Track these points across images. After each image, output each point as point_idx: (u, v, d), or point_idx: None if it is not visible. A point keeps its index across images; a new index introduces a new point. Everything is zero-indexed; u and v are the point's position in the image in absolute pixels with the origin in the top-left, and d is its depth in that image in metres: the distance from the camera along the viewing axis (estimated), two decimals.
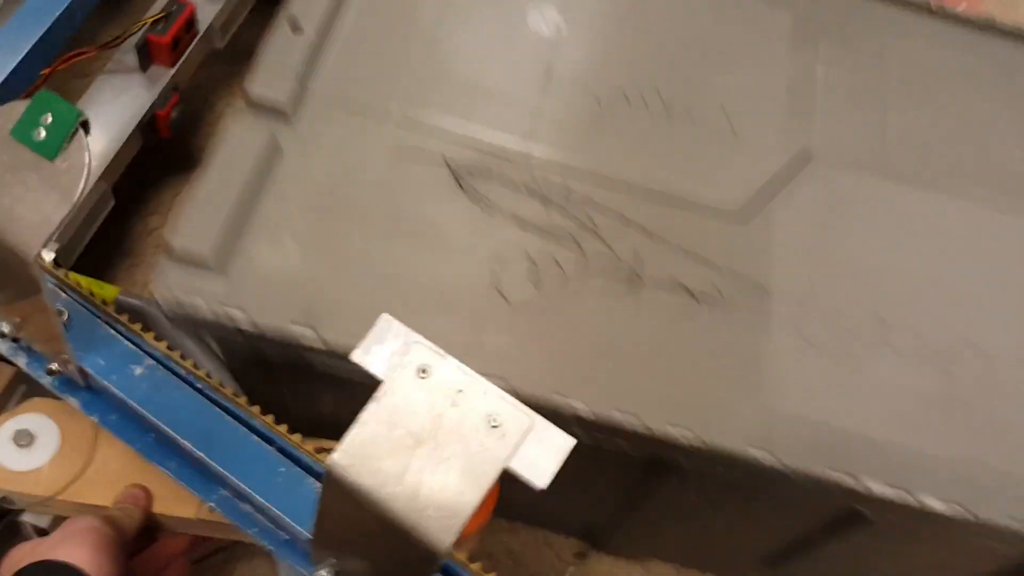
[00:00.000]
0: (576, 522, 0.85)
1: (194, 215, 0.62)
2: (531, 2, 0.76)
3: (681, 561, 0.87)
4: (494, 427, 0.44)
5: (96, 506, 0.63)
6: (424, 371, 0.44)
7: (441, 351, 0.45)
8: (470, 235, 0.64)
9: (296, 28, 0.68)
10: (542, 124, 0.70)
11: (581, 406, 0.59)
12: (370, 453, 0.43)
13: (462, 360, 0.45)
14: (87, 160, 0.46)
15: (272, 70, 0.68)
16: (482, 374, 0.43)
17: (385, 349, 0.45)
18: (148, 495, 0.63)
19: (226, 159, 0.64)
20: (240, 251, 0.62)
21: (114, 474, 0.65)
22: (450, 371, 0.44)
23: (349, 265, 0.62)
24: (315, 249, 0.62)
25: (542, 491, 0.43)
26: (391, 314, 0.58)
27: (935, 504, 0.59)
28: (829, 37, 0.79)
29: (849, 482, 0.59)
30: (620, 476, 0.68)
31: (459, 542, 0.42)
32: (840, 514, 0.64)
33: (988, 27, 0.82)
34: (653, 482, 0.67)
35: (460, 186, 0.65)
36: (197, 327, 0.61)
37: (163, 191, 1.00)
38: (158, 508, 0.64)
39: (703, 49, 0.77)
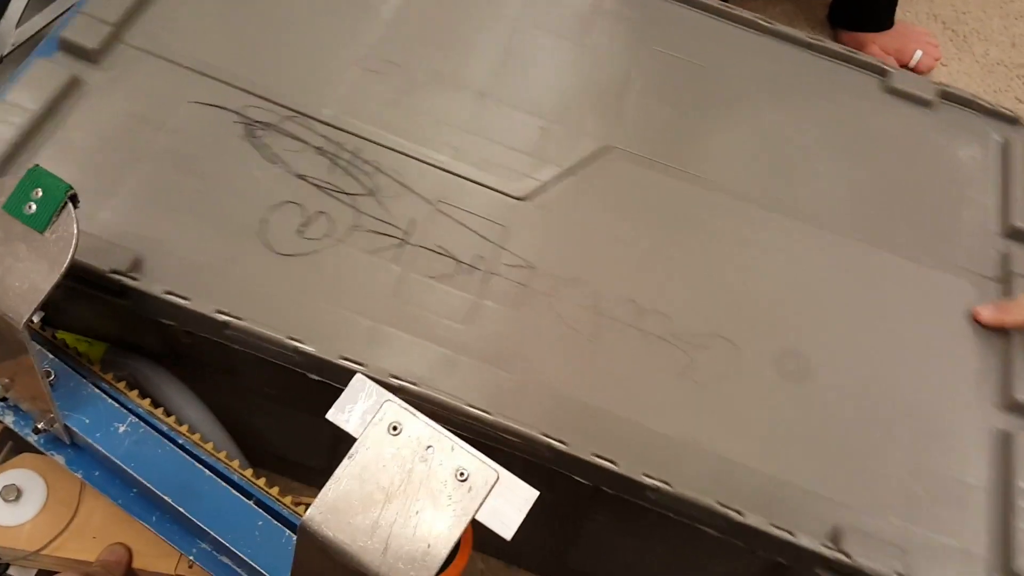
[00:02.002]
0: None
1: None
2: None
3: None
4: (462, 480, 0.46)
5: (80, 561, 0.65)
6: (395, 428, 0.47)
7: (412, 409, 0.47)
8: (248, 184, 0.68)
9: None
10: (346, 93, 0.74)
11: (309, 349, 0.62)
12: (343, 508, 0.45)
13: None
14: (75, 231, 0.48)
15: (89, 17, 0.73)
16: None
17: (359, 407, 0.47)
18: (129, 553, 0.65)
19: (21, 91, 0.68)
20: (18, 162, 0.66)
21: (98, 529, 0.67)
22: (420, 428, 0.47)
23: (129, 197, 0.66)
24: (99, 179, 0.66)
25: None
26: (149, 248, 0.62)
27: (647, 480, 0.62)
28: (650, 43, 0.83)
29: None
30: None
31: None
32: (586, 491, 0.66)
33: (799, 41, 0.86)
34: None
35: (250, 139, 0.70)
36: None
37: None
38: (139, 564, 0.65)
39: (524, 48, 0.80)
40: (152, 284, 0.62)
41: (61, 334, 0.67)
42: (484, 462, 0.47)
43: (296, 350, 0.61)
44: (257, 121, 0.71)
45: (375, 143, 0.72)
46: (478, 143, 0.73)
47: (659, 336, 0.67)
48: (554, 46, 0.81)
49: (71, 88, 0.70)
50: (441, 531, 0.45)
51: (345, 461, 0.45)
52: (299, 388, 0.64)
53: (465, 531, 0.48)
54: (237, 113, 0.71)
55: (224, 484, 0.59)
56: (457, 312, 0.65)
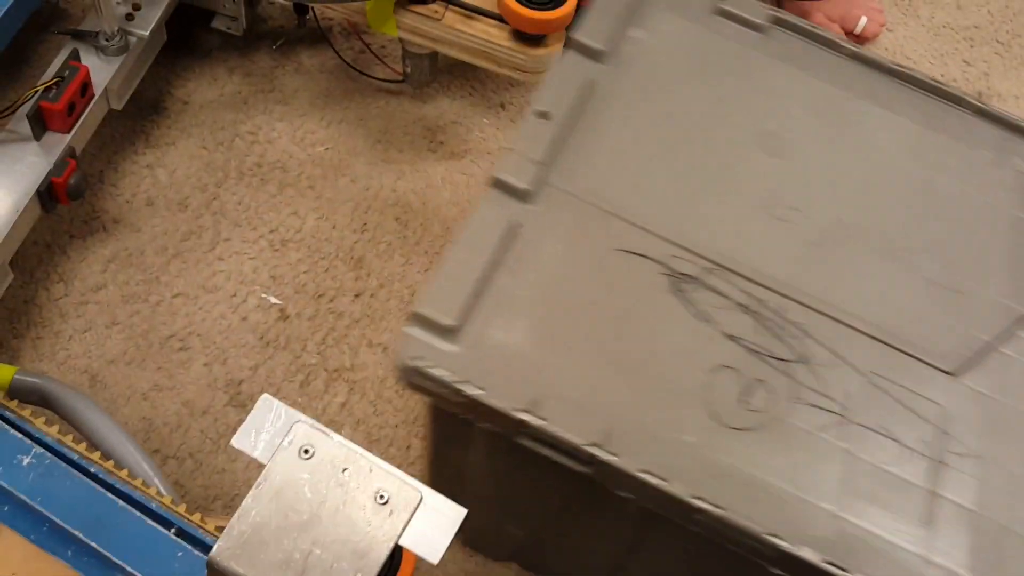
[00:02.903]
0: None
1: (439, 285, 0.64)
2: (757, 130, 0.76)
3: None
4: (382, 504, 0.43)
5: None
6: (307, 451, 0.43)
7: (325, 428, 0.44)
8: (683, 342, 0.65)
9: (544, 116, 0.71)
10: (762, 245, 0.71)
11: (794, 551, 0.58)
12: (253, 542, 0.42)
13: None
14: None
15: (518, 155, 0.70)
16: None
17: (266, 431, 0.44)
18: None
19: (472, 235, 0.67)
20: (475, 325, 0.64)
21: (18, 565, 0.63)
22: (334, 449, 0.43)
23: (570, 355, 0.64)
24: (540, 333, 0.65)
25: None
26: (611, 413, 0.61)
27: None
28: None
29: None
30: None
31: None
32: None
33: None
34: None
35: (677, 292, 0.67)
36: (426, 391, 0.63)
37: (68, 257, 0.98)
38: None
39: (929, 197, 0.76)
40: (628, 461, 0.59)
41: None
42: (405, 482, 0.44)
43: (776, 548, 0.58)
44: (681, 273, 0.67)
45: (797, 302, 0.68)
46: (901, 305, 0.69)
47: None
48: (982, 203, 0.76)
49: (512, 231, 0.67)
50: (362, 561, 0.42)
51: (253, 490, 0.42)
52: (734, 571, 0.62)
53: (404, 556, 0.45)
54: (661, 264, 0.68)
55: (140, 515, 0.55)
56: (912, 512, 0.61)
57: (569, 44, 0.76)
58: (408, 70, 1.04)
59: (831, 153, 0.77)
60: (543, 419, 0.60)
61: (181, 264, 0.99)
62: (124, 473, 0.58)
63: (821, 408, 0.65)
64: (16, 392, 0.70)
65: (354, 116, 1.11)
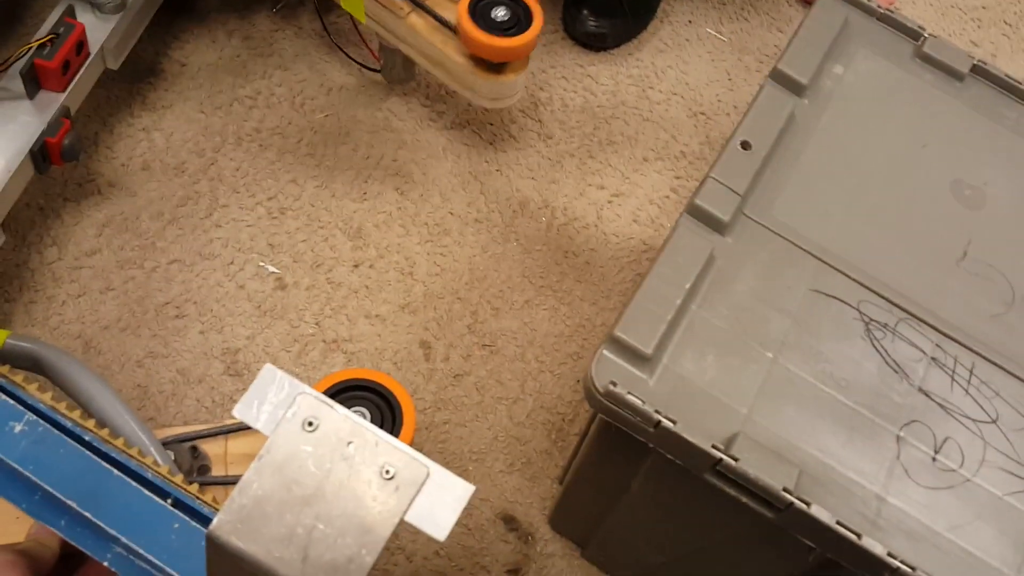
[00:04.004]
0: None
1: (638, 311, 0.64)
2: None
3: None
4: (388, 479, 0.42)
5: (7, 545, 0.60)
6: (311, 423, 0.42)
7: (330, 401, 0.42)
8: (878, 394, 0.65)
9: (746, 147, 0.71)
10: (955, 298, 0.69)
11: None
12: (255, 516, 0.40)
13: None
14: None
15: (719, 186, 0.69)
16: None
17: (269, 402, 0.43)
18: None
19: (671, 264, 0.66)
20: (668, 354, 0.64)
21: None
22: (339, 422, 0.42)
23: (762, 396, 0.63)
24: (731, 368, 0.64)
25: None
26: (805, 459, 0.60)
27: None
28: None
29: None
30: None
31: None
32: None
33: None
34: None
35: (870, 338, 0.66)
36: (615, 415, 0.63)
37: (61, 221, 0.96)
38: None
39: None
40: (822, 511, 0.58)
41: None
42: (412, 457, 0.42)
43: None
44: (874, 320, 0.67)
45: (989, 361, 0.67)
46: None
47: None
48: None
49: (709, 263, 0.67)
50: (366, 537, 0.41)
51: (255, 463, 0.41)
52: None
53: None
54: (855, 308, 0.67)
55: (136, 484, 0.53)
56: None
57: (773, 75, 0.75)
58: (383, 62, 1.02)
59: None
60: (736, 459, 0.60)
61: (177, 230, 0.97)
62: (120, 442, 0.56)
63: (1011, 473, 0.63)
64: (8, 357, 0.69)
65: (355, 83, 1.09)
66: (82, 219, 0.96)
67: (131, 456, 0.56)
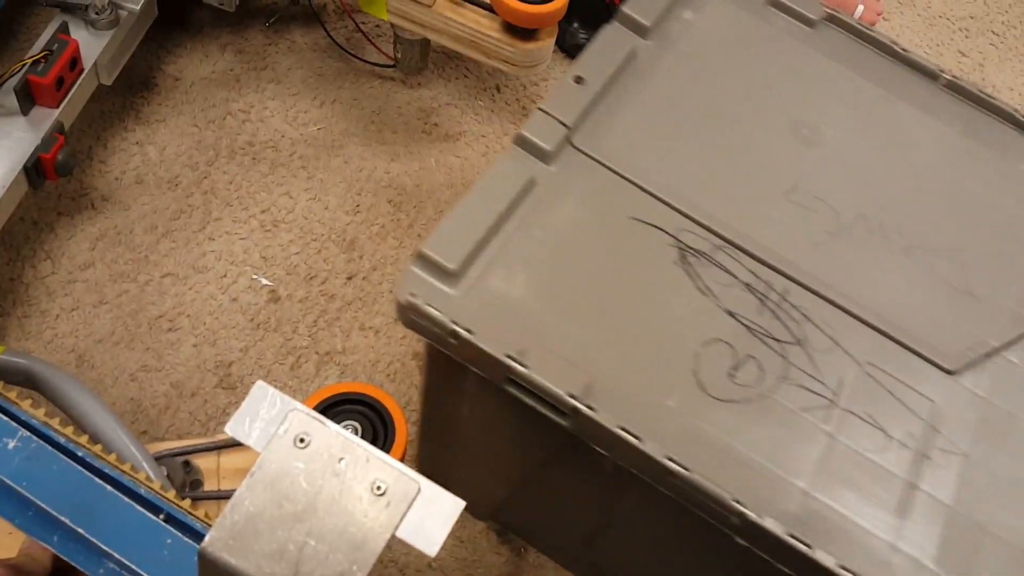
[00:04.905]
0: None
1: (447, 229, 0.65)
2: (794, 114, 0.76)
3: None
4: (379, 495, 0.42)
5: (2, 560, 0.60)
6: (303, 440, 0.42)
7: (322, 418, 0.43)
8: (680, 312, 0.65)
9: (579, 81, 0.71)
10: (777, 228, 0.70)
11: (758, 519, 0.58)
12: (246, 532, 0.41)
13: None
14: None
15: (546, 116, 0.70)
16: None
17: (261, 419, 0.43)
18: None
19: (487, 185, 0.67)
20: (476, 272, 0.64)
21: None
22: (331, 438, 0.42)
23: (565, 311, 0.64)
24: (539, 288, 0.65)
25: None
26: (597, 370, 0.61)
27: None
28: None
29: None
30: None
31: None
32: None
33: None
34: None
35: (683, 264, 0.67)
36: (420, 329, 0.63)
37: (55, 235, 0.96)
38: None
39: (957, 202, 0.75)
40: (607, 416, 0.59)
41: None
42: (403, 472, 0.43)
43: (742, 516, 0.57)
44: (691, 247, 0.67)
45: (804, 286, 0.67)
46: (910, 302, 0.68)
47: None
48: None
49: (528, 188, 0.67)
50: (357, 552, 0.41)
51: (247, 480, 0.41)
52: (703, 540, 0.61)
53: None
54: (672, 236, 0.68)
55: (128, 500, 0.54)
56: (887, 500, 0.61)
57: (617, 16, 0.75)
58: (399, 55, 1.03)
59: (864, 149, 0.76)
60: (527, 366, 0.60)
61: (171, 243, 0.97)
62: (112, 457, 0.57)
63: (810, 390, 0.64)
64: (2, 373, 0.69)
65: (348, 96, 1.09)
66: (76, 233, 0.96)
67: (124, 472, 0.56)
